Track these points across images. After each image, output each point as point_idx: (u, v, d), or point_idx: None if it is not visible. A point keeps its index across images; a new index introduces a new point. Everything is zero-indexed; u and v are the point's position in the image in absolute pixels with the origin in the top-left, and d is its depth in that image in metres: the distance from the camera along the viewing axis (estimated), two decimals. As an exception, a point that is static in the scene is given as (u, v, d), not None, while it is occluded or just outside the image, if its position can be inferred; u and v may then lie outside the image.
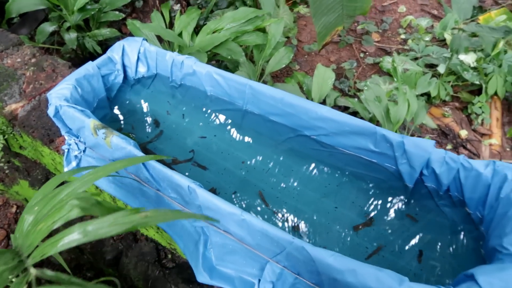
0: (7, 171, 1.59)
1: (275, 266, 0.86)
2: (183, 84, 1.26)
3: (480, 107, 2.35)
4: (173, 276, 1.29)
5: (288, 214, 1.03)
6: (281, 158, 1.12)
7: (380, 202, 1.02)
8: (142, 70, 1.27)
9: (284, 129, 1.12)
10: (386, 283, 0.68)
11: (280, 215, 1.03)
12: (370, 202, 1.02)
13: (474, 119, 2.34)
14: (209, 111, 1.22)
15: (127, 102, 1.27)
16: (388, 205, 1.01)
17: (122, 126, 1.23)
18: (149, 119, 1.26)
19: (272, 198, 1.06)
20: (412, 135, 2.14)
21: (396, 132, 1.63)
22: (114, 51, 1.21)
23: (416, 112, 2.01)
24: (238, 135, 1.18)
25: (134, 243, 1.39)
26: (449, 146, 2.25)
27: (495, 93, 2.38)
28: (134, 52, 1.21)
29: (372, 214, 1.01)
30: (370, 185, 1.04)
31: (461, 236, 0.91)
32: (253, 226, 0.79)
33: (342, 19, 1.23)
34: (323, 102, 2.20)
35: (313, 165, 1.09)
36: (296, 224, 1.01)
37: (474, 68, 2.40)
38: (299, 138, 1.10)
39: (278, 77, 2.73)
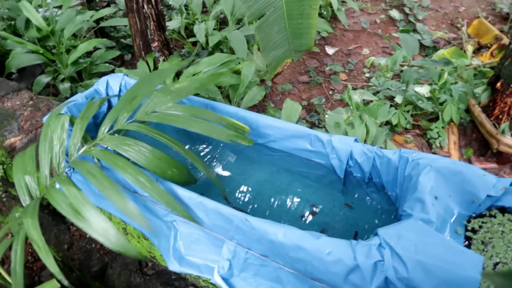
0: (4, 200, 1.76)
1: (230, 244, 1.03)
2: (158, 110, 1.49)
3: (437, 132, 2.59)
4: (153, 281, 1.43)
5: (246, 209, 1.21)
6: (241, 165, 1.32)
7: (322, 194, 1.21)
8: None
9: (241, 140, 1.34)
10: (307, 238, 0.86)
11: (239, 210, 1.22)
12: (314, 195, 1.22)
13: (433, 143, 2.57)
14: (181, 130, 1.44)
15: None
16: (329, 196, 1.20)
17: (107, 148, 1.44)
18: (130, 142, 1.47)
19: (234, 198, 1.25)
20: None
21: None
22: (100, 85, 1.45)
23: (375, 136, 2.24)
24: (207, 149, 1.39)
25: (118, 255, 1.54)
26: (412, 168, 2.46)
27: (451, 120, 2.63)
28: (116, 85, 1.45)
29: (316, 205, 1.20)
30: (313, 181, 1.23)
31: (384, 214, 1.10)
32: (207, 206, 0.98)
33: (290, 53, 1.49)
34: (293, 133, 2.45)
35: (267, 168, 1.29)
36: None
37: (429, 98, 2.68)
38: (254, 147, 1.31)
39: (255, 115, 2.99)
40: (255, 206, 1.22)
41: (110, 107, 1.51)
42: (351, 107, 2.30)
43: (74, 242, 1.67)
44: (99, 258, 1.55)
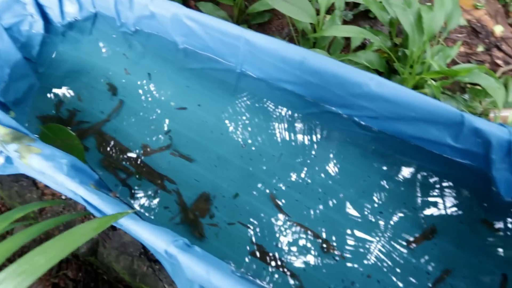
0: None
1: None
2: (140, 30, 0.83)
3: (522, -7, 1.89)
4: (164, 273, 1.05)
5: (313, 227, 0.73)
6: (298, 140, 0.77)
7: (443, 203, 0.71)
8: (72, 10, 0.82)
9: (302, 102, 0.75)
10: None
11: (302, 229, 0.73)
12: (428, 203, 0.72)
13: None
14: (185, 70, 0.82)
15: (61, 59, 0.85)
16: (454, 207, 0.71)
17: (62, 99, 0.84)
18: (101, 84, 0.86)
19: (290, 203, 0.75)
20: (437, 42, 1.72)
21: (425, 43, 1.21)
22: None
23: (450, 13, 1.57)
24: (233, 106, 0.81)
25: (111, 231, 1.11)
26: (480, 48, 1.86)
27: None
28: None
29: (433, 221, 0.71)
30: (430, 179, 0.72)
31: None
32: None
33: None
34: (332, 6, 1.71)
35: (346, 150, 0.75)
36: (326, 243, 0.71)
37: None
38: (326, 116, 0.74)
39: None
40: (326, 219, 0.73)
41: (48, 22, 0.82)
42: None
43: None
44: (85, 234, 1.12)
